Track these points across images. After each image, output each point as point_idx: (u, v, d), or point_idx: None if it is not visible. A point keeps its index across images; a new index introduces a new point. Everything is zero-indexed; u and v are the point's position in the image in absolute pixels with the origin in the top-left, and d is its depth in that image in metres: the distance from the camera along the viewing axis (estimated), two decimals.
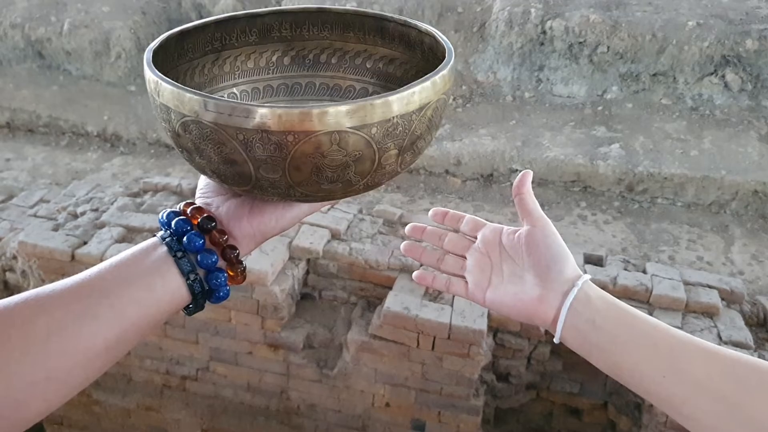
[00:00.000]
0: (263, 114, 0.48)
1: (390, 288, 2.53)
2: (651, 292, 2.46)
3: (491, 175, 3.52)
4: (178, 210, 0.58)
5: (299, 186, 0.53)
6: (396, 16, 0.66)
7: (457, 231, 0.72)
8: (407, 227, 0.73)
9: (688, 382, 0.53)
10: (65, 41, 4.32)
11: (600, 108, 3.80)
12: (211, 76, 0.69)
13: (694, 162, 3.38)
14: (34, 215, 2.94)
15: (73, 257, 2.64)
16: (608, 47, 3.81)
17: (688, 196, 3.34)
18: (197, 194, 0.61)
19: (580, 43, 3.85)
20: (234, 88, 0.70)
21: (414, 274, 0.71)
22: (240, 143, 0.50)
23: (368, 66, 0.71)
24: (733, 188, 3.28)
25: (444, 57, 0.58)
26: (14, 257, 2.87)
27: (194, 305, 0.56)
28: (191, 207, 0.57)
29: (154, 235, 0.56)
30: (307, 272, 2.73)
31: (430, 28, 0.62)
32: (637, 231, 3.19)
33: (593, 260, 2.67)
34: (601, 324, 0.57)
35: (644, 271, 2.60)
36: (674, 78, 3.78)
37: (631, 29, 3.78)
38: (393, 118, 0.51)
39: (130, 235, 2.75)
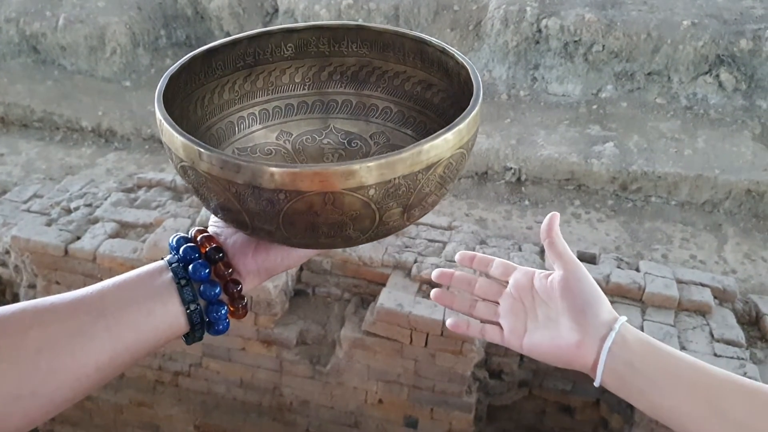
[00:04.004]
0: (254, 170, 0.46)
1: (383, 285, 2.54)
2: (644, 291, 2.47)
3: (486, 173, 3.52)
4: (189, 236, 0.57)
5: (295, 238, 0.51)
6: (435, 41, 0.62)
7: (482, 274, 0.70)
8: (434, 274, 0.71)
9: (730, 421, 0.53)
10: (60, 36, 4.31)
11: (594, 107, 3.81)
12: (243, 92, 0.67)
13: (688, 161, 3.39)
14: (28, 210, 2.94)
15: (66, 252, 2.64)
16: (603, 46, 3.81)
17: (682, 195, 3.34)
18: (210, 221, 0.60)
19: (576, 41, 3.85)
20: (266, 105, 0.68)
21: (448, 322, 0.70)
22: (233, 195, 0.48)
23: (406, 88, 0.68)
24: (726, 187, 3.29)
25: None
26: (7, 252, 2.86)
27: (192, 335, 0.54)
28: (202, 234, 0.56)
29: (162, 258, 0.55)
30: (301, 269, 2.73)
31: (467, 61, 0.58)
32: (630, 229, 3.19)
33: (586, 258, 2.67)
34: (640, 366, 0.57)
35: (637, 270, 2.60)
36: (669, 77, 3.79)
37: (626, 28, 3.79)
38: (394, 179, 0.47)
39: (123, 231, 2.75)
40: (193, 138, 0.49)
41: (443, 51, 0.61)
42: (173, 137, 0.50)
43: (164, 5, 4.57)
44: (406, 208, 0.50)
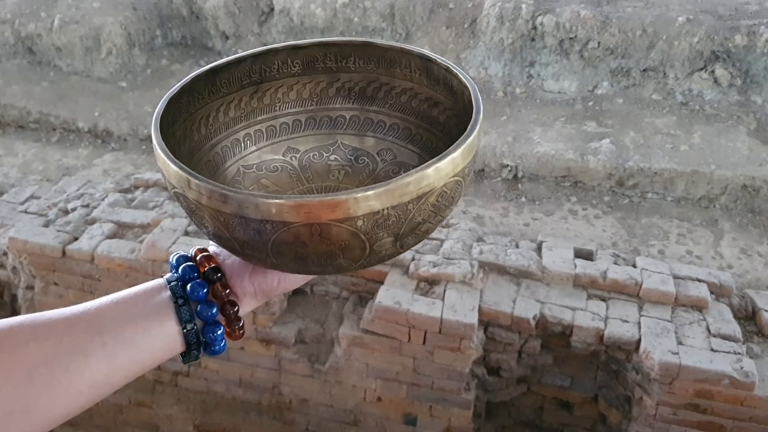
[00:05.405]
0: (240, 201, 0.46)
1: (381, 283, 2.54)
2: (641, 286, 2.48)
3: (482, 170, 3.53)
4: (189, 255, 0.57)
5: (286, 266, 0.51)
6: (440, 59, 0.62)
7: None
8: None
9: None
10: (55, 37, 4.30)
11: (590, 103, 3.82)
12: (249, 109, 0.67)
13: (684, 157, 3.39)
14: (25, 211, 2.94)
15: (63, 253, 2.64)
16: (599, 43, 3.82)
17: (678, 190, 3.35)
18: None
19: (571, 38, 3.86)
20: (273, 121, 0.68)
21: None
22: (221, 224, 0.48)
23: (413, 105, 0.67)
24: (722, 183, 3.30)
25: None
26: (5, 254, 2.86)
27: (188, 355, 0.54)
28: (202, 254, 0.56)
29: (162, 276, 0.55)
30: None
31: (470, 82, 0.57)
32: (627, 225, 3.20)
33: (583, 254, 2.68)
34: None
35: (634, 265, 2.61)
36: (664, 73, 3.80)
37: (622, 25, 3.79)
38: (383, 210, 0.46)
39: (121, 231, 2.75)
40: (182, 165, 0.49)
41: (448, 69, 0.61)
42: (166, 164, 0.49)
43: (159, 5, 4.56)
44: (398, 237, 0.49)
